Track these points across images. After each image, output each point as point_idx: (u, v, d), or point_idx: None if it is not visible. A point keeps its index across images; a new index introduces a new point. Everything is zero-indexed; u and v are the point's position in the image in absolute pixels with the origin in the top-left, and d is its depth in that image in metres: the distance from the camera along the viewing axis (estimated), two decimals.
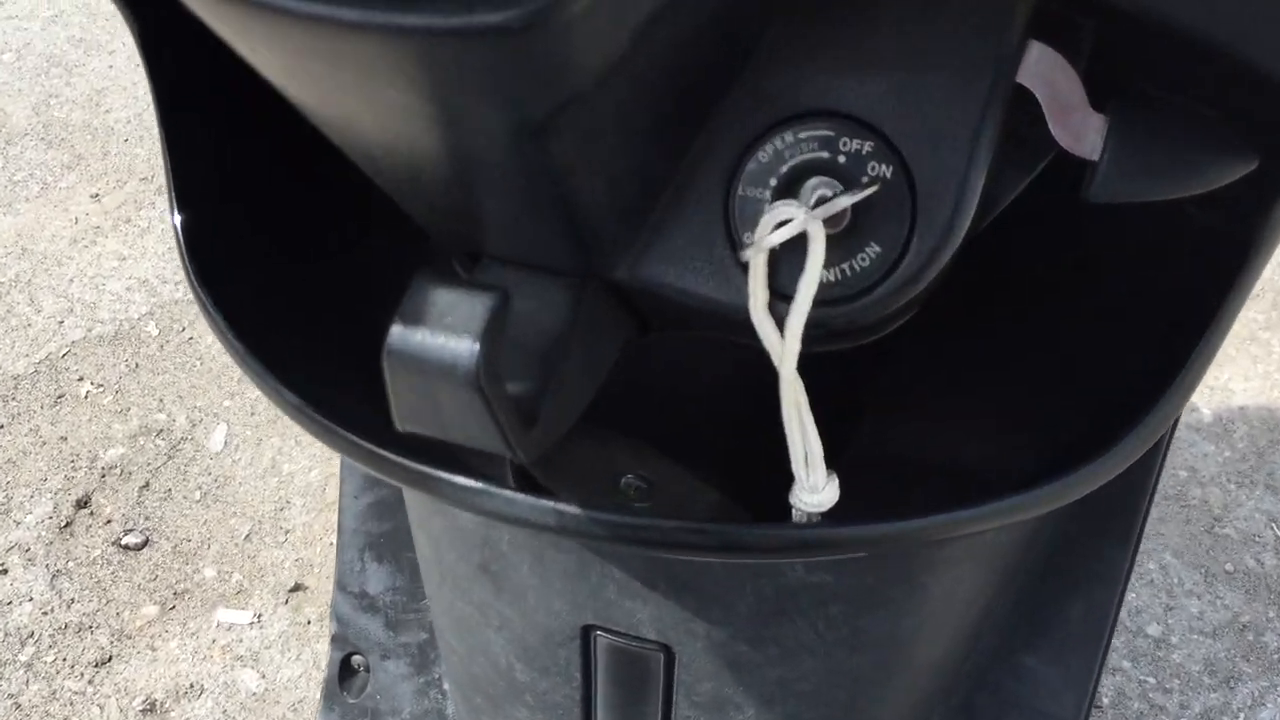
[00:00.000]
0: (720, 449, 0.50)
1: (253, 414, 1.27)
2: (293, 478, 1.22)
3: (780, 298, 0.31)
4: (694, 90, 0.30)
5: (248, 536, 1.17)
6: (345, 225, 0.51)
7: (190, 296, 1.34)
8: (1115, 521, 0.61)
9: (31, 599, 1.13)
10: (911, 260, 0.31)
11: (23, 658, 1.09)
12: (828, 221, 0.30)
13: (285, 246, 0.48)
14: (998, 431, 0.50)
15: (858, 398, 0.50)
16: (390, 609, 0.67)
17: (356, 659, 0.69)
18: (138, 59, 1.49)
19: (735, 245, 0.32)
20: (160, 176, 1.50)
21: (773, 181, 0.31)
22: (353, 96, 0.24)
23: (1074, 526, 0.61)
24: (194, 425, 1.26)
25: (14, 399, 1.29)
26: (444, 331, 0.27)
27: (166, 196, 0.44)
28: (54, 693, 1.06)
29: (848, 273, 0.32)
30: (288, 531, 1.18)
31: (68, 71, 1.62)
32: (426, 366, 0.27)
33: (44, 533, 1.17)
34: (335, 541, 0.69)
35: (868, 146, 0.31)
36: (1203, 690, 1.02)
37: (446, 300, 0.27)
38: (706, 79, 0.30)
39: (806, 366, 0.32)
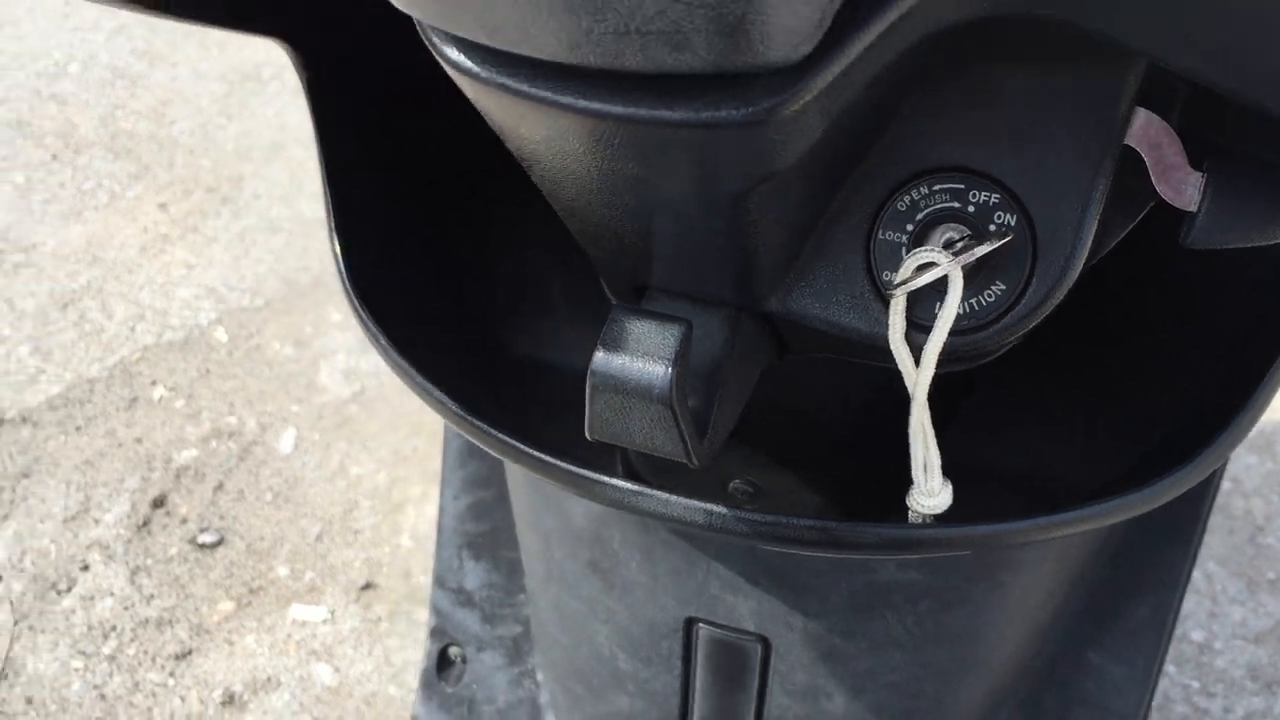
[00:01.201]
0: (820, 457, 0.54)
1: (320, 418, 1.32)
2: (360, 480, 1.26)
3: (915, 327, 0.36)
4: (851, 151, 0.34)
5: (318, 536, 1.21)
6: (479, 253, 0.56)
7: (257, 304, 1.39)
8: (1178, 528, 0.64)
9: (113, 594, 1.17)
10: (1031, 297, 0.35)
11: (106, 650, 1.13)
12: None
13: (428, 274, 0.53)
14: (1081, 444, 0.54)
15: (953, 411, 0.54)
16: (486, 604, 0.71)
17: (453, 650, 0.73)
18: (200, 71, 1.54)
19: (875, 281, 0.36)
20: (224, 187, 1.55)
21: (909, 227, 0.35)
22: (592, 166, 0.29)
23: (1140, 533, 0.65)
24: (264, 429, 1.31)
25: (90, 402, 1.34)
26: (641, 357, 0.31)
27: (326, 227, 0.48)
28: (137, 684, 1.11)
29: (975, 307, 0.36)
30: (357, 532, 1.22)
31: (132, 83, 1.67)
32: (625, 387, 0.32)
33: (123, 531, 1.22)
34: (434, 539, 0.74)
35: (994, 198, 0.35)
36: (1245, 695, 1.06)
37: (641, 330, 0.32)
38: (861, 142, 0.34)
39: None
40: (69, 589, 1.19)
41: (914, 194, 0.35)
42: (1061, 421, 0.56)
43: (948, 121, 0.35)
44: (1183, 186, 0.36)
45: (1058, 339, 0.52)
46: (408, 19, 0.29)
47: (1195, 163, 0.36)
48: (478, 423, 0.43)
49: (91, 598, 1.17)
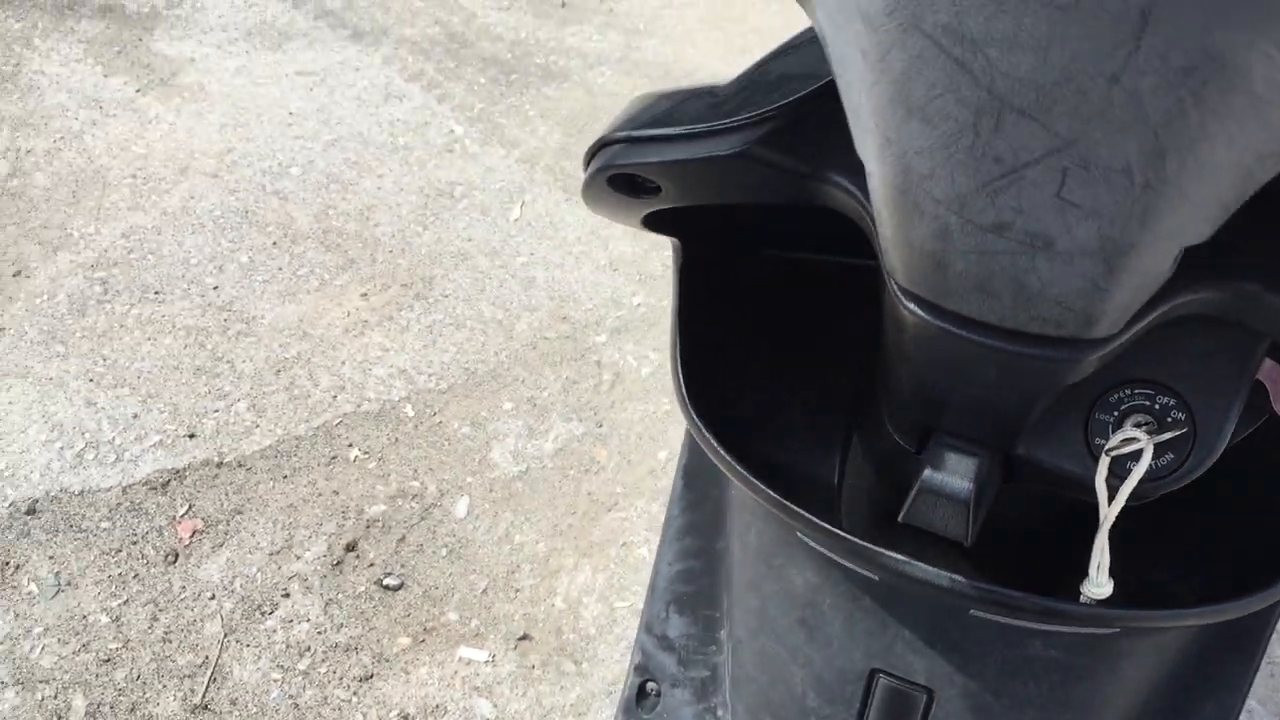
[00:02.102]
0: (986, 543, 0.72)
1: (490, 490, 1.52)
2: (522, 547, 1.46)
3: (1112, 474, 0.54)
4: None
5: (484, 590, 1.41)
6: (784, 373, 0.74)
7: (441, 387, 1.61)
8: (1245, 638, 0.80)
9: (309, 620, 1.38)
10: (1189, 466, 0.54)
11: (300, 666, 1.33)
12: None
13: (746, 392, 0.71)
14: (1184, 558, 0.71)
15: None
16: (684, 650, 0.89)
17: (650, 685, 0.91)
18: (401, 184, 1.83)
19: (1089, 444, 0.55)
20: (418, 284, 1.79)
21: (1115, 413, 0.54)
22: (955, 370, 0.48)
23: (1214, 638, 0.81)
24: (442, 494, 1.52)
25: (296, 455, 1.56)
26: (954, 475, 0.51)
27: (670, 351, 0.64)
28: (326, 698, 1.30)
29: (1153, 469, 0.54)
30: (517, 590, 1.41)
31: (344, 188, 1.94)
32: (943, 492, 0.51)
33: (319, 567, 1.43)
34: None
35: (1172, 402, 0.54)
36: None
37: (954, 459, 0.51)
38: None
39: (1088, 507, 0.55)
40: (271, 611, 1.39)
41: (1122, 393, 0.54)
42: (1175, 539, 0.73)
43: (1150, 350, 0.54)
44: None
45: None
46: (765, 224, 0.49)
47: None
48: (798, 510, 0.58)
49: (290, 621, 1.38)
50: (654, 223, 0.59)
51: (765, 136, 0.48)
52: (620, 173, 0.51)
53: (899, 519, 0.53)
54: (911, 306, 0.43)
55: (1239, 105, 0.28)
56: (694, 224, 0.62)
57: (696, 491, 0.83)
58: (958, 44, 0.29)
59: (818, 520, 0.56)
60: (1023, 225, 0.35)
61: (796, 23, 0.47)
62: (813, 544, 0.59)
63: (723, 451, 0.59)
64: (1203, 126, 0.29)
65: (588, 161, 0.53)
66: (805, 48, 0.53)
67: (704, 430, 0.60)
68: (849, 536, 0.56)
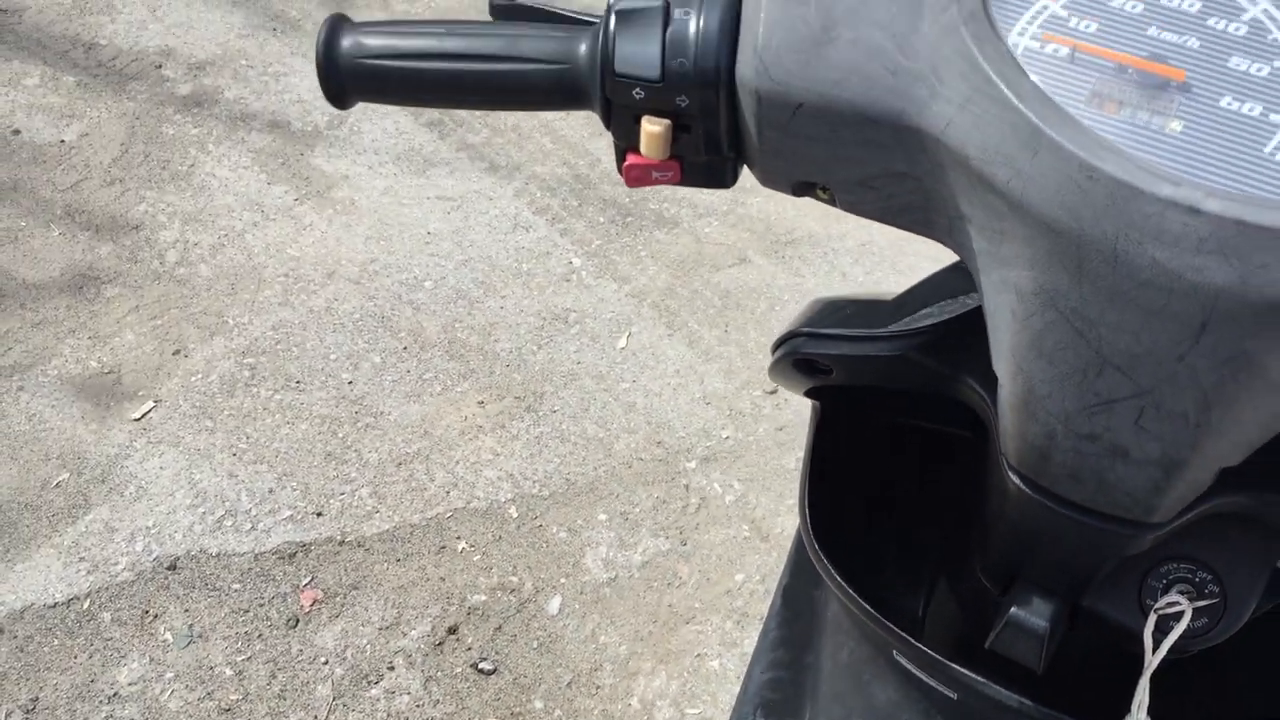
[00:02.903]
0: (1060, 681, 0.84)
1: (581, 593, 1.67)
2: (606, 648, 1.60)
3: (1157, 629, 0.68)
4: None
5: (569, 684, 1.55)
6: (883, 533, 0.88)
7: (543, 493, 1.78)
8: None
9: (409, 693, 1.52)
10: (1220, 629, 0.66)
11: None
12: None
13: (853, 531, 0.86)
14: (1212, 701, 0.83)
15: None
16: None
17: None
18: (522, 305, 2.05)
19: (1141, 602, 0.68)
20: (529, 399, 1.97)
21: (1163, 581, 0.67)
22: (1041, 536, 0.63)
23: None
24: (538, 591, 1.67)
25: (409, 541, 1.73)
26: (1034, 615, 0.64)
27: (798, 500, 0.79)
28: None
29: (1190, 629, 0.67)
30: (598, 687, 1.55)
31: (471, 304, 2.15)
32: (1023, 627, 0.64)
33: (422, 646, 1.58)
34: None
35: (1209, 577, 0.67)
36: None
37: (1035, 601, 0.64)
38: None
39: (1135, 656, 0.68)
40: (377, 681, 1.54)
41: (1170, 565, 0.66)
42: (1211, 689, 0.85)
43: (1195, 535, 0.67)
44: None
45: None
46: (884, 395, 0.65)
47: None
48: (897, 630, 0.68)
49: (393, 692, 1.53)
50: (810, 392, 0.75)
51: (920, 345, 0.63)
52: (803, 358, 0.68)
53: (986, 645, 0.65)
54: (1017, 482, 0.57)
55: (1262, 385, 0.44)
56: (834, 393, 0.77)
57: (792, 610, 0.96)
58: (1080, 320, 0.45)
59: (913, 640, 0.67)
60: (1109, 438, 0.50)
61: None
62: (903, 661, 0.72)
63: (838, 577, 0.72)
64: (1238, 394, 0.45)
65: (776, 347, 0.69)
66: (953, 278, 0.70)
67: (824, 559, 0.73)
68: (938, 656, 0.67)
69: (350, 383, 1.98)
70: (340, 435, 1.89)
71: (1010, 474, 0.58)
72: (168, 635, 1.61)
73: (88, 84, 2.58)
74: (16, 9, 2.77)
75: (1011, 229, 0.45)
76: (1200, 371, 0.44)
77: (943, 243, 0.52)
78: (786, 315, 2.13)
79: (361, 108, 2.56)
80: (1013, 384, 0.51)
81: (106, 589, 1.66)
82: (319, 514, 1.76)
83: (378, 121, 2.56)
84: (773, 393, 2.01)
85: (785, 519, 1.80)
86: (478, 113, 2.57)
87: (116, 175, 2.38)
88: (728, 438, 1.94)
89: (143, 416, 1.91)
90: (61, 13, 2.77)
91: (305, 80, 2.63)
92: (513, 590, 1.67)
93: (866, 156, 0.49)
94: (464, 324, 2.11)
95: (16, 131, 2.45)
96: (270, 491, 1.79)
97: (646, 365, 2.06)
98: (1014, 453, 0.56)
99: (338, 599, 1.64)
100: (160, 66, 2.65)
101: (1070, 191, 0.42)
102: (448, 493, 1.81)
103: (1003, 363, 0.51)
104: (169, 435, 1.88)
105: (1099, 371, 0.46)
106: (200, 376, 1.98)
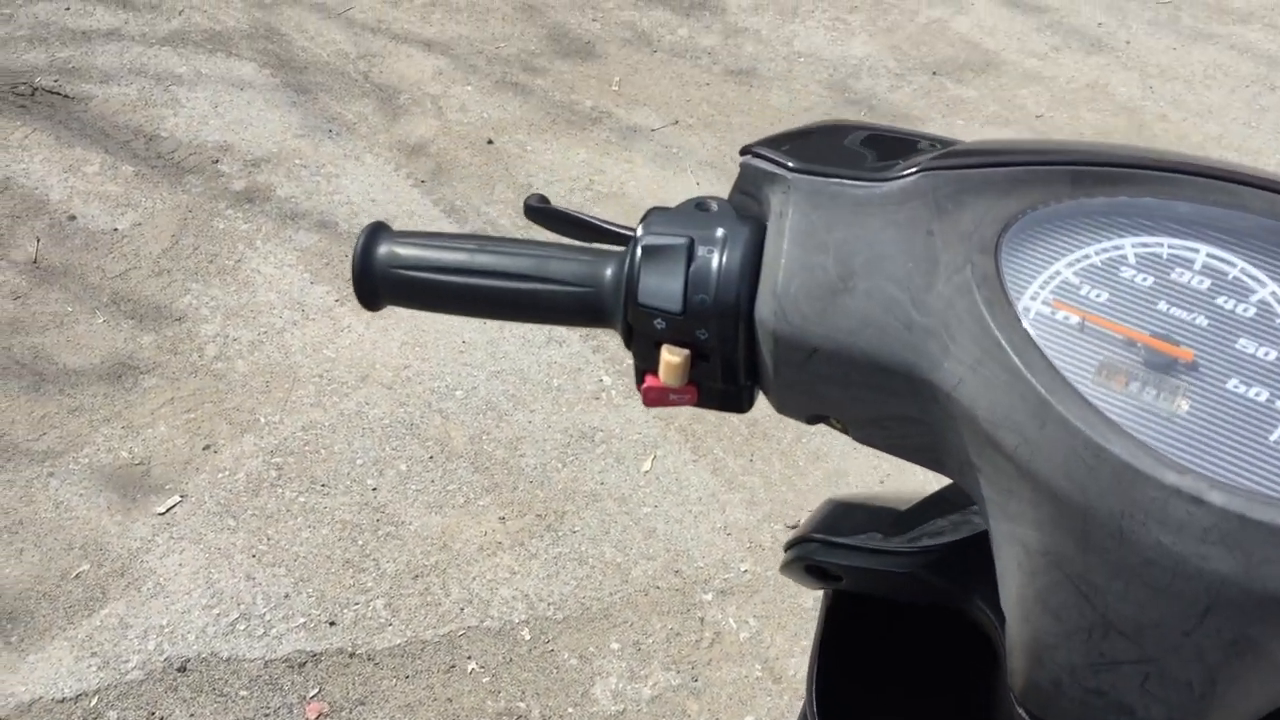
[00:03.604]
0: None
1: None
2: None
3: None
4: None
5: None
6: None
7: (557, 616, 1.77)
8: None
9: None
10: None
11: None
12: None
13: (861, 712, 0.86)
14: None
15: None
16: None
17: None
18: (550, 422, 2.06)
19: None
20: (551, 517, 1.98)
21: None
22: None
23: None
24: (545, 717, 1.65)
25: (420, 658, 1.72)
26: None
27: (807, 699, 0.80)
28: None
29: None
30: None
31: (499, 417, 2.17)
32: None
33: None
34: None
35: None
36: None
37: None
38: None
39: None
40: None
41: None
42: None
43: None
44: None
45: None
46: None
47: None
48: None
49: None
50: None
51: (930, 564, 0.63)
52: (814, 564, 0.68)
53: None
54: (1022, 713, 0.57)
55: (1263, 665, 0.45)
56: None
57: None
58: (1085, 585, 0.45)
59: None
60: (1114, 695, 0.50)
61: None
62: None
63: None
64: (1240, 671, 0.45)
65: (788, 548, 0.70)
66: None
67: None
68: None
69: (374, 489, 2.00)
70: (360, 543, 1.90)
71: (1016, 704, 0.58)
72: None
73: (145, 174, 2.67)
74: (84, 97, 2.87)
75: (1019, 490, 0.46)
76: (1205, 649, 0.44)
77: (956, 482, 0.53)
78: (813, 448, 2.14)
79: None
80: (1019, 629, 0.51)
81: (115, 687, 1.66)
82: (332, 623, 1.76)
83: None
84: (793, 527, 2.00)
85: (799, 660, 1.78)
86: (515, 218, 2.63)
87: (165, 266, 2.44)
88: (746, 571, 1.93)
89: (167, 511, 1.93)
90: (127, 103, 2.87)
91: (355, 183, 2.70)
92: (519, 717, 1.65)
93: (879, 400, 0.50)
94: (491, 436, 2.12)
95: (72, 217, 2.53)
96: (286, 596, 1.80)
97: (669, 490, 2.06)
98: (1020, 689, 0.56)
99: (344, 713, 1.63)
100: (217, 161, 2.73)
101: (1077, 466, 0.43)
102: (462, 609, 1.80)
103: (1010, 607, 0.52)
104: (191, 532, 1.90)
105: (1104, 634, 0.47)
106: (228, 474, 2.01)
